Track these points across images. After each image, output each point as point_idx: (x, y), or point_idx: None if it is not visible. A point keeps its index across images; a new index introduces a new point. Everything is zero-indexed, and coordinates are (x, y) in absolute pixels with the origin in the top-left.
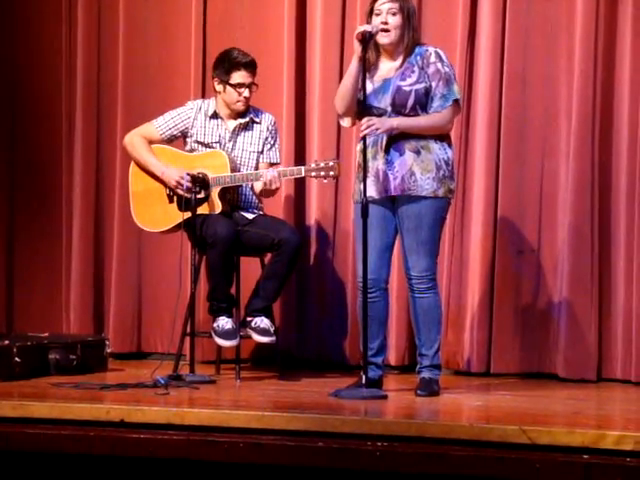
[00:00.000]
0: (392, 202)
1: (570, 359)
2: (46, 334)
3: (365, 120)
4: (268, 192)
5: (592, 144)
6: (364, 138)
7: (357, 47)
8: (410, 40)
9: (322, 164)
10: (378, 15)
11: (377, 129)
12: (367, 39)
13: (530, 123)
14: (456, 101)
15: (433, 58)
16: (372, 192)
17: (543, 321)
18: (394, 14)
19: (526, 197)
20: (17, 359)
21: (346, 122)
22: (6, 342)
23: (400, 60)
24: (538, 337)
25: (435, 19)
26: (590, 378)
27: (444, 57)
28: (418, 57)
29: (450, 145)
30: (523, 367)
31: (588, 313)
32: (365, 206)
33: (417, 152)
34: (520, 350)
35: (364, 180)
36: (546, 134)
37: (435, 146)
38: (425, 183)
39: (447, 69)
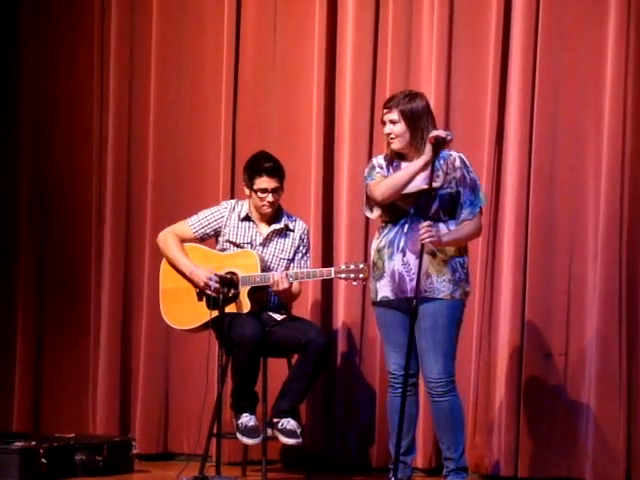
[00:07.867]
0: (408, 303)
1: (598, 463)
2: (72, 434)
3: (426, 225)
4: (283, 294)
5: (620, 247)
6: (422, 244)
7: (428, 151)
8: (419, 142)
9: (352, 266)
10: (384, 125)
11: (432, 237)
12: (440, 144)
13: (557, 225)
14: (481, 207)
15: (458, 163)
16: (387, 292)
17: (571, 425)
18: (395, 123)
19: (554, 301)
20: (43, 460)
21: (375, 213)
22: (33, 443)
23: None
24: (566, 441)
25: (463, 119)
26: None
27: (468, 163)
28: (442, 161)
29: (465, 248)
30: (551, 471)
31: (616, 417)
32: (415, 307)
33: (433, 254)
34: (548, 454)
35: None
36: (574, 237)
37: (451, 249)
38: (441, 285)
39: (472, 175)
